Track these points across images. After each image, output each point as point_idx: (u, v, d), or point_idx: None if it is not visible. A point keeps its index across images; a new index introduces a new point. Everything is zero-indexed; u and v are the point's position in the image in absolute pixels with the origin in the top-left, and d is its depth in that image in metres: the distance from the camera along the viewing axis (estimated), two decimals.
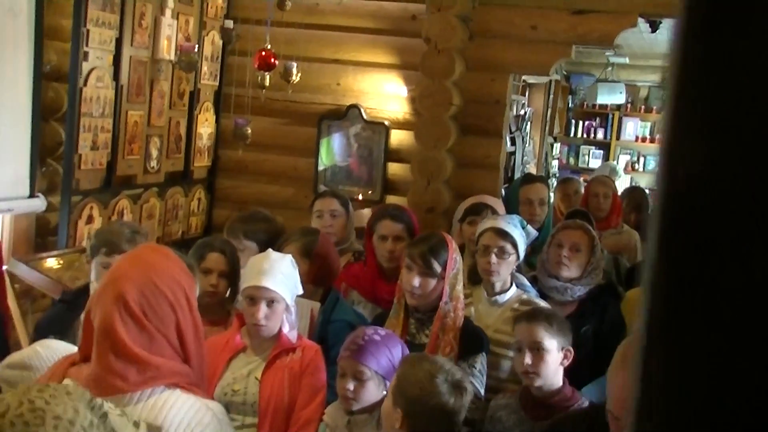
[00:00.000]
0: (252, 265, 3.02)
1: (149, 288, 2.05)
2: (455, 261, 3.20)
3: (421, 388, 2.43)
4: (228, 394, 2.91)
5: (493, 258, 3.43)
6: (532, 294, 3.60)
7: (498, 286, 3.49)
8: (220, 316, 3.48)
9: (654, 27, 6.24)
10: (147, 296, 2.03)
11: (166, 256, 2.20)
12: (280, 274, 2.95)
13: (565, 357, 2.88)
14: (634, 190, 6.55)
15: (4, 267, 3.87)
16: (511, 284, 3.52)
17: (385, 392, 2.70)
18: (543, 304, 3.46)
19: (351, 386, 2.69)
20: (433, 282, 3.15)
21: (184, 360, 2.10)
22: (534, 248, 3.72)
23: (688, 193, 0.45)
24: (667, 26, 6.23)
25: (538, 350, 2.86)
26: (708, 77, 0.44)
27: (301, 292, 3.09)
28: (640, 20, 5.49)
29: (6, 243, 4.29)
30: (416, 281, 3.14)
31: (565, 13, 5.36)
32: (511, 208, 4.53)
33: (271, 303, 2.94)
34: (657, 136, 12.16)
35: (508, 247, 3.45)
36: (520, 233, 3.53)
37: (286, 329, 3.00)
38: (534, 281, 3.78)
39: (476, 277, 3.60)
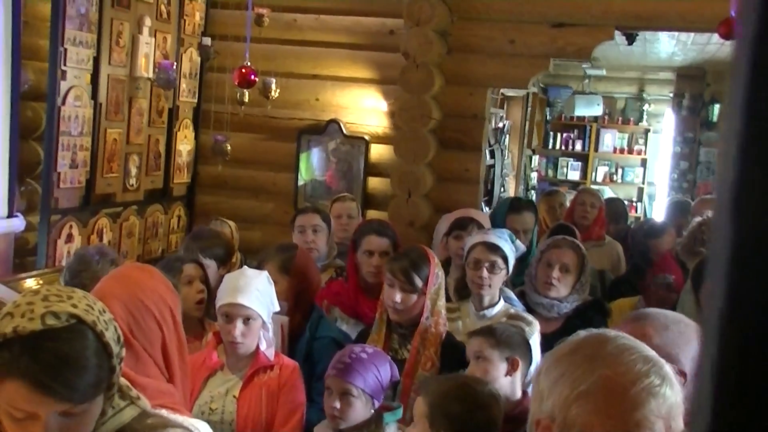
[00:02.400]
0: (227, 283, 3.00)
1: (136, 306, 2.03)
2: (436, 276, 3.20)
3: (464, 402, 2.41)
4: (205, 413, 2.89)
5: (484, 272, 3.44)
6: (519, 308, 3.60)
7: (487, 300, 3.49)
8: (196, 331, 3.48)
9: (630, 39, 6.29)
10: (134, 314, 2.02)
11: (150, 274, 2.19)
12: (255, 291, 2.93)
13: (513, 367, 2.85)
14: (612, 201, 6.60)
15: None
16: (499, 298, 3.52)
17: (372, 410, 2.69)
18: (530, 317, 3.46)
19: (337, 404, 2.68)
20: (414, 297, 3.15)
21: (169, 379, 2.08)
22: (516, 265, 3.72)
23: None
24: (643, 38, 6.29)
25: (478, 359, 2.86)
26: None
27: (277, 308, 3.07)
28: (617, 33, 5.54)
29: None
30: (398, 297, 3.14)
31: (542, 26, 5.40)
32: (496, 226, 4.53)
33: (247, 320, 2.92)
34: (635, 148, 12.28)
35: (499, 261, 3.46)
36: (510, 248, 3.54)
37: (263, 346, 2.98)
38: (521, 296, 3.78)
39: (464, 291, 3.60)
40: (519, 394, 2.89)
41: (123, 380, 1.65)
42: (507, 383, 2.84)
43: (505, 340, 2.87)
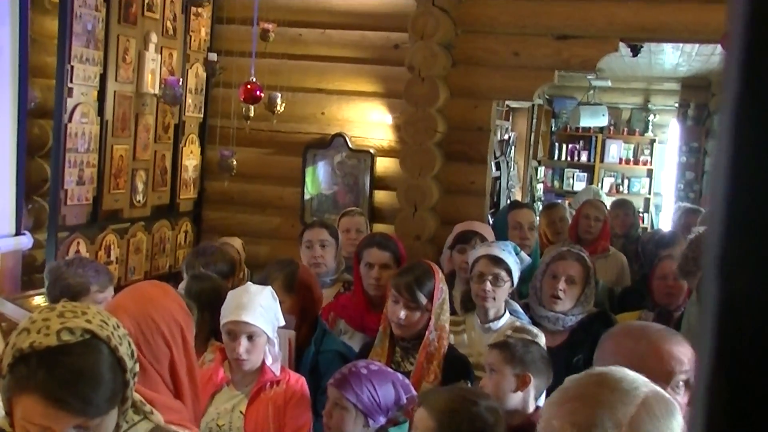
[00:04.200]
0: (231, 300, 3.00)
1: (146, 322, 2.04)
2: (441, 291, 3.21)
3: (473, 421, 2.40)
4: (213, 430, 2.90)
5: (488, 285, 3.44)
6: (525, 321, 3.59)
7: (492, 313, 3.50)
8: (198, 347, 3.48)
9: (635, 51, 6.30)
10: (143, 330, 2.03)
11: (165, 292, 2.20)
12: (259, 308, 2.94)
13: (523, 383, 2.86)
14: (623, 203, 6.59)
15: None
16: (505, 311, 3.52)
17: (366, 428, 2.68)
18: (536, 330, 3.45)
19: (330, 413, 2.70)
20: (418, 314, 3.16)
21: (177, 397, 2.08)
22: (522, 277, 3.71)
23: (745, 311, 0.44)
24: (648, 50, 6.30)
25: (491, 372, 2.89)
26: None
27: (282, 323, 3.08)
28: (621, 45, 5.55)
29: None
30: (402, 314, 3.15)
31: (546, 39, 5.41)
32: (500, 235, 4.54)
33: (251, 337, 2.93)
34: (641, 158, 12.26)
35: (503, 274, 3.47)
36: (514, 260, 3.54)
37: (269, 362, 2.99)
38: (526, 309, 3.77)
39: (469, 304, 3.61)
40: (531, 408, 2.90)
41: (137, 395, 1.66)
42: (517, 398, 2.86)
43: (520, 356, 2.89)
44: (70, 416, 1.46)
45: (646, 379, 1.49)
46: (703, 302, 0.46)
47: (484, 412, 2.42)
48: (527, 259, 3.81)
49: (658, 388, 1.50)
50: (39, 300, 4.06)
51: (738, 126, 0.45)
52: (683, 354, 2.07)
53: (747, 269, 0.43)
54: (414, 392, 2.82)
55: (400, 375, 2.87)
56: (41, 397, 1.44)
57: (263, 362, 2.98)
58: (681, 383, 2.04)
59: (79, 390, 1.45)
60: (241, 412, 2.94)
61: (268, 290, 3.06)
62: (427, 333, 3.14)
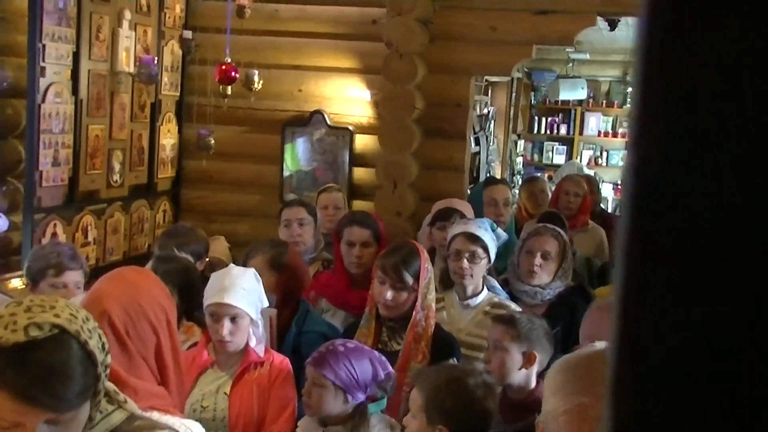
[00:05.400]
0: (213, 282, 2.99)
1: (134, 308, 2.03)
2: (427, 270, 3.21)
3: (458, 396, 2.42)
4: (197, 411, 2.89)
5: (465, 263, 3.46)
6: (503, 297, 3.62)
7: (470, 290, 3.51)
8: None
9: (612, 25, 6.29)
10: (131, 316, 2.02)
11: (147, 277, 2.19)
12: (241, 290, 2.93)
13: (528, 361, 2.89)
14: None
15: None
16: (483, 288, 3.54)
17: (346, 404, 2.69)
18: (514, 306, 3.48)
19: (309, 392, 2.71)
20: (405, 294, 3.16)
21: (162, 383, 2.08)
22: (499, 253, 3.73)
23: (652, 200, 0.45)
24: (626, 23, 6.29)
25: (496, 349, 2.90)
26: (667, 79, 0.44)
27: (266, 304, 3.07)
28: (599, 19, 5.54)
29: None
30: (389, 294, 3.14)
31: (524, 14, 5.39)
32: (476, 211, 4.55)
33: (234, 319, 2.92)
34: (620, 131, 12.30)
35: (480, 251, 3.48)
36: (490, 237, 3.56)
37: (253, 343, 2.99)
38: (504, 284, 3.80)
39: (448, 281, 3.62)
40: (533, 384, 2.93)
41: (110, 385, 1.65)
42: (522, 374, 2.89)
43: (526, 333, 2.90)
44: (42, 412, 1.45)
45: None
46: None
47: (471, 387, 2.43)
48: (504, 235, 3.83)
49: None
50: (16, 282, 4.03)
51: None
52: None
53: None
54: (391, 369, 2.83)
55: (377, 353, 2.88)
56: (11, 394, 1.42)
57: (247, 344, 2.98)
58: None
59: (50, 386, 1.44)
60: (225, 393, 2.94)
61: (251, 272, 3.05)
62: (414, 313, 3.15)
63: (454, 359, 3.16)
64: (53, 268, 3.30)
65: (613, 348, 0.46)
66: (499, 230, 3.76)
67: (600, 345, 1.55)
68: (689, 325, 0.44)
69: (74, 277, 3.39)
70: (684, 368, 0.44)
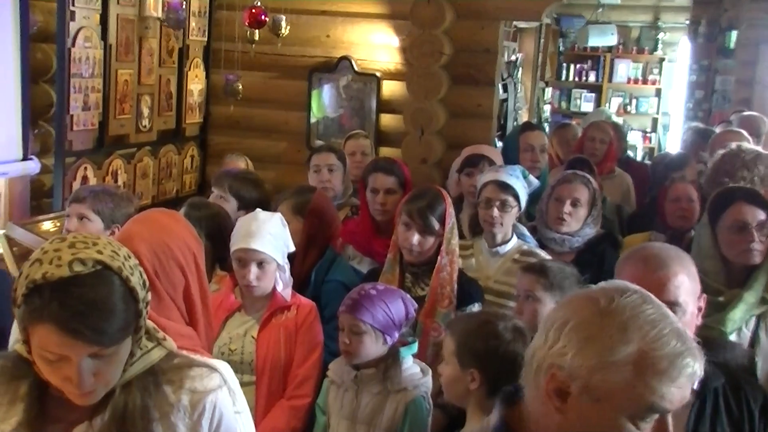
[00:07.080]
0: (240, 227, 3.01)
1: (162, 249, 2.05)
2: (450, 215, 3.21)
3: (489, 340, 2.41)
4: (225, 354, 2.93)
5: (495, 211, 3.44)
6: (532, 244, 3.60)
7: (499, 238, 3.50)
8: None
9: None
10: (160, 257, 2.04)
11: (176, 219, 2.21)
12: (268, 235, 2.95)
13: None
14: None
15: (1, 231, 3.87)
16: (512, 235, 3.53)
17: (385, 346, 2.72)
18: (543, 254, 3.46)
19: (347, 340, 2.72)
20: (431, 239, 3.16)
21: (190, 324, 2.11)
22: (531, 198, 3.71)
23: None
24: None
25: (528, 299, 2.89)
26: None
27: (292, 249, 3.09)
28: None
29: (2, 206, 4.29)
30: (415, 239, 3.14)
31: None
32: (510, 157, 4.51)
33: (261, 264, 2.95)
34: (650, 78, 12.13)
35: (510, 200, 3.46)
36: (522, 184, 3.52)
37: (279, 288, 3.01)
38: (533, 231, 3.77)
39: (477, 228, 3.60)
40: None
41: (150, 323, 1.70)
42: None
43: (559, 282, 2.88)
44: (85, 345, 1.49)
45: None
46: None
47: (501, 331, 2.43)
48: (535, 182, 3.79)
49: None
50: (48, 225, 4.09)
51: None
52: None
53: None
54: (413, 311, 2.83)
55: (403, 291, 2.90)
56: (56, 328, 1.47)
57: (274, 288, 3.01)
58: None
59: (92, 320, 1.48)
60: (252, 336, 2.98)
61: (277, 217, 3.07)
62: (439, 258, 3.15)
63: (479, 303, 3.18)
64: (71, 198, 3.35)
65: None
66: (531, 177, 3.72)
67: (607, 287, 1.52)
68: None
69: None
70: None
